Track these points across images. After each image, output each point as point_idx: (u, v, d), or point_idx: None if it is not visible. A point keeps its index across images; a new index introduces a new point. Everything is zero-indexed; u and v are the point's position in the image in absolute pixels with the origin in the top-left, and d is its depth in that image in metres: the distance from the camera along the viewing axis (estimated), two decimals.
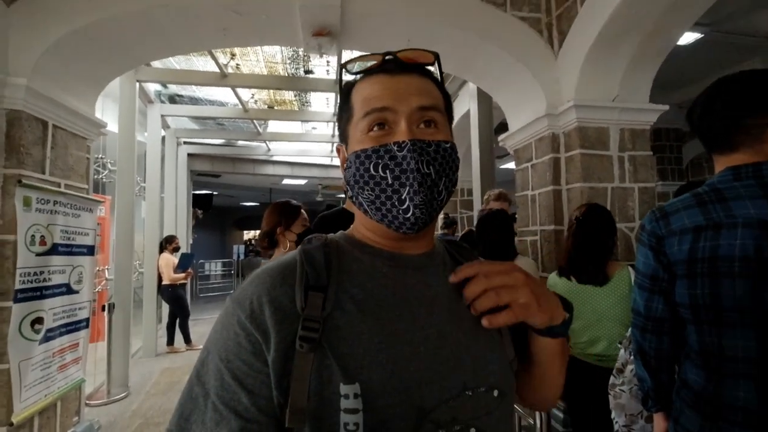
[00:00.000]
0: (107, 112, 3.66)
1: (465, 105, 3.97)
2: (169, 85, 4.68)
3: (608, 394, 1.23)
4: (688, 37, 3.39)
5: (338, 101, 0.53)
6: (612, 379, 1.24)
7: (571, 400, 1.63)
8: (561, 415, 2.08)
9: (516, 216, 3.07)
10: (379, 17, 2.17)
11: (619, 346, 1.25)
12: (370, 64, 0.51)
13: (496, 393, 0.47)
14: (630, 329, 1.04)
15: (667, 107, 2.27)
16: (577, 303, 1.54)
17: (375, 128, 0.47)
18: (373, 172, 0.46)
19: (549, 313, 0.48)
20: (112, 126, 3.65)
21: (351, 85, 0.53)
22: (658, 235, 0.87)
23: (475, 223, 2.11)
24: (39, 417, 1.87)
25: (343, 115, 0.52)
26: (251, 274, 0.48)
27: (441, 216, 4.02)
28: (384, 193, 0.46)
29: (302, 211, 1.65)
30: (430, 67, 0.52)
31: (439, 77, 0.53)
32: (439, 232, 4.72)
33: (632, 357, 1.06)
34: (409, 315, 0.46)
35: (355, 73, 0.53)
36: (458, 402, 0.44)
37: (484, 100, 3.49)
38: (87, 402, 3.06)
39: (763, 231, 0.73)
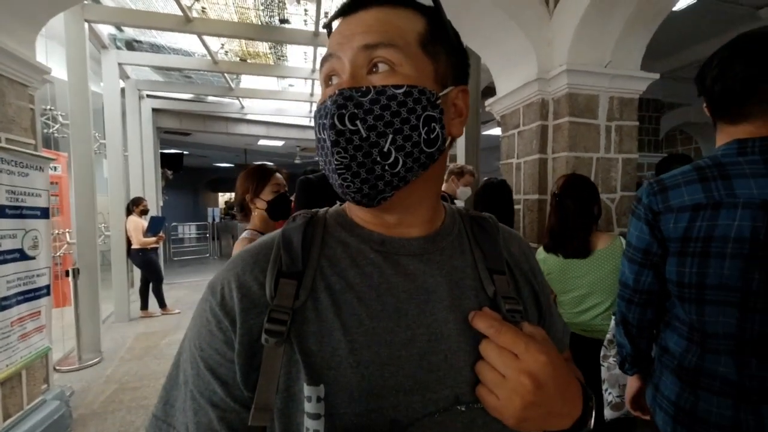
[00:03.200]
0: (53, 56, 3.24)
1: None
2: (125, 29, 4.18)
3: (600, 366, 1.25)
4: (680, 3, 3.30)
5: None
6: (603, 351, 1.25)
7: None
8: None
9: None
10: None
11: (613, 317, 1.26)
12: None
13: None
14: None
15: (657, 76, 2.23)
16: (569, 277, 1.52)
17: (329, 81, 0.41)
18: (317, 134, 0.40)
19: (539, 421, 0.37)
20: (61, 73, 3.26)
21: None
22: (654, 211, 0.84)
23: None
24: (2, 387, 1.78)
25: None
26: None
27: None
28: (325, 159, 0.40)
29: (277, 174, 1.46)
30: None
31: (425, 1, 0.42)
32: None
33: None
34: (395, 311, 0.40)
35: (326, 27, 0.45)
36: (446, 417, 0.38)
37: (472, 61, 3.33)
38: (57, 368, 2.97)
39: (763, 212, 0.71)
